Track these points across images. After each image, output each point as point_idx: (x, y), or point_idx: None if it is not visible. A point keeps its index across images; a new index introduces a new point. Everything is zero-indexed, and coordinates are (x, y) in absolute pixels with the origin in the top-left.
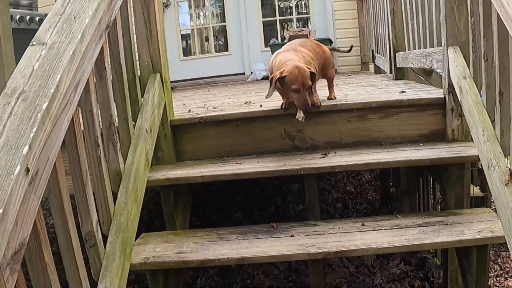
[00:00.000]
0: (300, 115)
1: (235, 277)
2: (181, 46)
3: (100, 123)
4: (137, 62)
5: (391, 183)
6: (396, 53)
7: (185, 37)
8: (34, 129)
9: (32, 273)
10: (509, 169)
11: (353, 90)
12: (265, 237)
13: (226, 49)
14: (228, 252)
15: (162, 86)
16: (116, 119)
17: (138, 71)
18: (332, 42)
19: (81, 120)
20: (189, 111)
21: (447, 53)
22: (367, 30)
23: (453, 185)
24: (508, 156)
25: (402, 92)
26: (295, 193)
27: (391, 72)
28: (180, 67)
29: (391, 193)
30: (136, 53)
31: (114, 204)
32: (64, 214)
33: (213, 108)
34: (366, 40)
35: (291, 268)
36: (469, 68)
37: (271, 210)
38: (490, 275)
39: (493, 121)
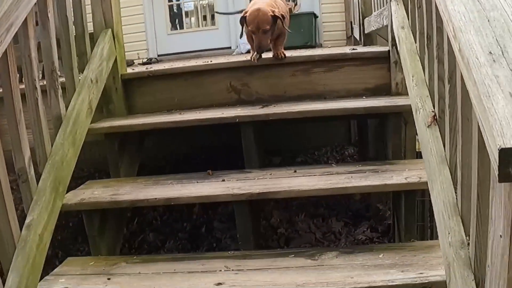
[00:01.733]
0: (252, 55)
1: (203, 241)
2: (169, 20)
3: (41, 69)
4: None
5: None
6: (365, 19)
7: (173, 11)
8: None
9: None
10: (433, 111)
11: (313, 52)
12: (197, 182)
13: (213, 24)
14: (158, 194)
15: (114, 41)
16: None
17: (92, 26)
18: (317, 17)
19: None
20: (146, 68)
21: (390, 6)
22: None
23: (391, 136)
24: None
25: (353, 49)
26: (276, 164)
27: (360, 39)
28: (167, 40)
29: None
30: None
31: (51, 146)
32: None
33: (170, 66)
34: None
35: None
36: (409, 19)
37: None
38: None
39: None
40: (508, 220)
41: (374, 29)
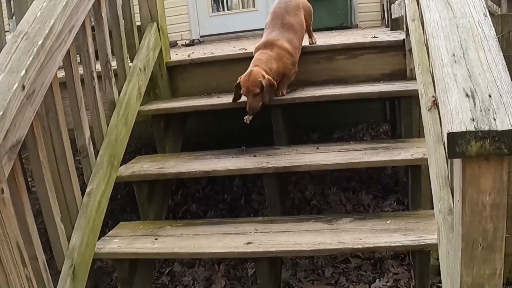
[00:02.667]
0: (246, 117)
1: (242, 212)
2: (210, 2)
3: (97, 62)
4: (138, 13)
5: None
6: (391, 5)
7: None
8: (30, 59)
9: (32, 169)
10: (433, 97)
11: (340, 38)
12: (232, 157)
13: (253, 5)
14: (198, 167)
15: (159, 33)
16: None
17: (138, 21)
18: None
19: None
20: (189, 56)
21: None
22: None
23: (403, 116)
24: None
25: (374, 37)
26: (315, 140)
27: (388, 24)
28: (209, 22)
29: None
30: (137, 6)
31: (107, 126)
32: (59, 128)
33: (210, 53)
34: None
35: (294, 205)
36: (419, 12)
37: None
38: None
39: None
40: (461, 188)
41: (397, 16)
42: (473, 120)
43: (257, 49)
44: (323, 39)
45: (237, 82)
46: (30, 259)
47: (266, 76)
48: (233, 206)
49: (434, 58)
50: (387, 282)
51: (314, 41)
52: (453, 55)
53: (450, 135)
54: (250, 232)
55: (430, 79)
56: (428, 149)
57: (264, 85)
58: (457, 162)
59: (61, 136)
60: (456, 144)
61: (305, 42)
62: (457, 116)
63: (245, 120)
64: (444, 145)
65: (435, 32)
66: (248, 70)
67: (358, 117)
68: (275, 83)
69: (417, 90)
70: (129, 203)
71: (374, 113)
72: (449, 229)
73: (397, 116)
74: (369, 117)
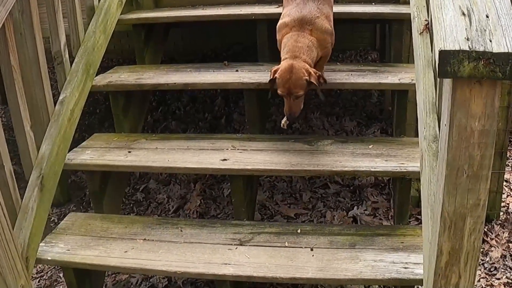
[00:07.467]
0: (284, 121)
1: (221, 131)
2: None
3: None
4: None
5: None
6: None
7: None
8: None
9: (3, 74)
10: (426, 20)
11: None
12: (213, 71)
13: None
14: (177, 79)
15: None
16: None
17: None
18: None
19: None
20: None
21: None
22: None
23: (393, 40)
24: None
25: None
26: None
27: None
28: None
29: None
30: None
31: (85, 33)
32: (33, 31)
33: None
34: None
35: (275, 128)
36: None
37: None
38: None
39: None
40: (449, 111)
41: None
42: (467, 39)
43: (286, 26)
44: None
45: (272, 77)
46: None
47: (311, 70)
48: (213, 125)
49: None
50: (365, 210)
51: None
52: None
53: (442, 53)
54: (227, 149)
55: (424, 2)
56: (416, 74)
57: (313, 82)
58: (447, 83)
59: (34, 39)
60: (448, 63)
61: None
62: (451, 34)
63: (282, 125)
64: (433, 67)
65: None
66: (285, 63)
67: (347, 44)
68: (324, 78)
69: (409, 14)
70: (107, 117)
71: (363, 41)
72: (433, 156)
73: (386, 43)
74: (358, 44)
